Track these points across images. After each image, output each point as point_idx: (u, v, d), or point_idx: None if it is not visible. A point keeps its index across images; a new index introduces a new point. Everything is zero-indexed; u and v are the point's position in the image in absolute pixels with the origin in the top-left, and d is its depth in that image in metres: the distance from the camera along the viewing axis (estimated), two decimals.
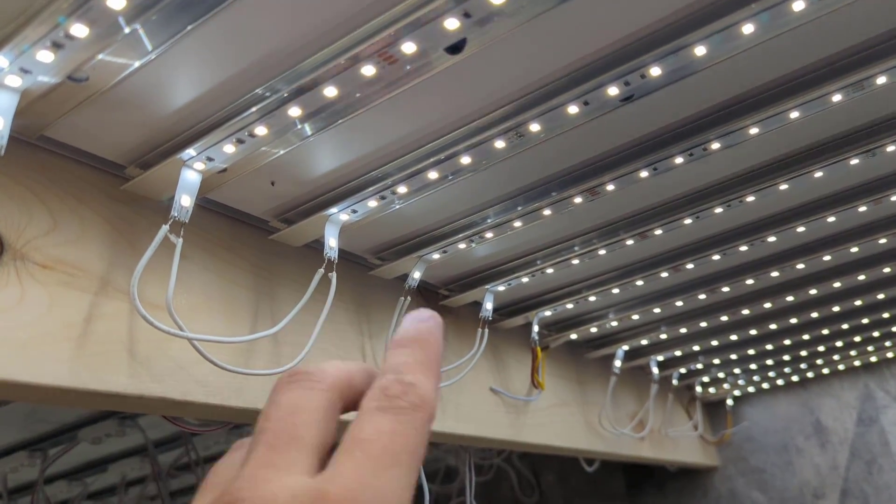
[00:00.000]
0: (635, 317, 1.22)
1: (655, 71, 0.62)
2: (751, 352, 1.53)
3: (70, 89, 0.56)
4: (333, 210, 0.77)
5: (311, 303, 0.77)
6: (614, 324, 1.26)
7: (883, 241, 1.04)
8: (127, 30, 0.50)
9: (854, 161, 0.81)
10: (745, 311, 1.26)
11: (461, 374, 1.00)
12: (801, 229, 0.97)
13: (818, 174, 0.83)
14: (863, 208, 0.93)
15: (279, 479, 0.23)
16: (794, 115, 0.71)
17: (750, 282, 1.13)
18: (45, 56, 0.51)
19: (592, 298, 1.12)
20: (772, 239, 0.99)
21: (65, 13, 0.48)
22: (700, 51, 0.60)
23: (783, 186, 0.85)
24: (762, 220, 0.96)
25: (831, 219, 0.95)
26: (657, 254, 1.03)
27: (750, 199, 0.87)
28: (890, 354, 1.71)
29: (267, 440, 0.25)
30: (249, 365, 0.76)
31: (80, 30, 0.49)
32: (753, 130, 0.73)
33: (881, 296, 1.27)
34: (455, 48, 0.58)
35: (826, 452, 1.81)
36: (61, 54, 0.51)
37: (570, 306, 1.14)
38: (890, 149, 0.80)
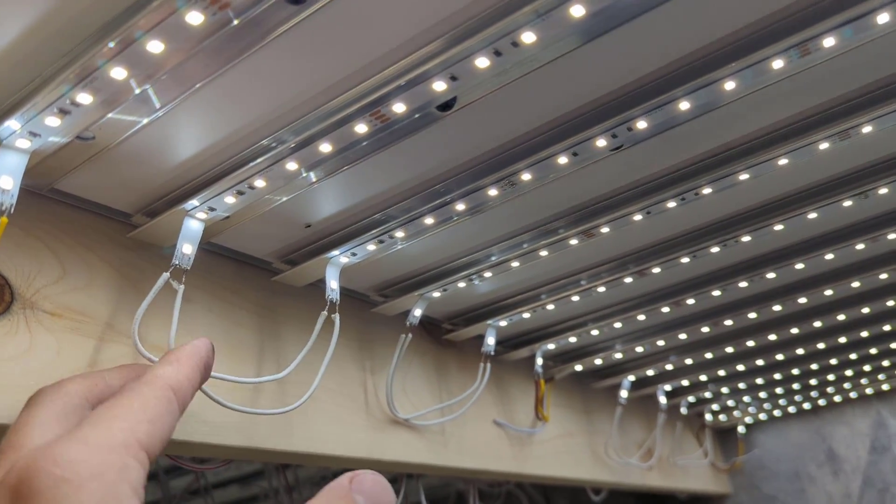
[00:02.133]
0: (639, 349, 1.23)
1: (642, 124, 0.64)
2: (759, 381, 1.53)
3: (78, 147, 0.59)
4: (334, 253, 0.79)
5: (315, 341, 0.79)
6: (619, 355, 1.27)
7: (884, 276, 1.04)
8: (137, 90, 0.52)
9: (847, 203, 0.82)
10: (750, 343, 1.27)
11: (463, 408, 1.02)
12: (799, 266, 0.98)
13: (812, 215, 0.84)
14: (860, 246, 0.93)
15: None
16: (783, 162, 0.72)
17: (752, 315, 1.13)
18: (53, 121, 0.53)
19: (595, 332, 1.13)
20: (771, 275, 0.99)
21: (70, 83, 0.50)
22: (684, 105, 0.62)
23: (778, 227, 0.86)
24: (760, 258, 0.97)
25: (829, 256, 0.96)
26: (657, 289, 1.04)
27: (745, 238, 0.88)
28: None
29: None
30: (255, 405, 0.78)
31: (85, 98, 0.51)
32: (743, 176, 0.74)
33: (888, 327, 1.27)
34: (446, 106, 0.60)
35: (839, 481, 1.80)
36: (68, 119, 0.54)
37: (573, 339, 1.15)
38: (882, 191, 0.81)
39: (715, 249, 0.90)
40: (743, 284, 1.01)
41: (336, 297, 0.80)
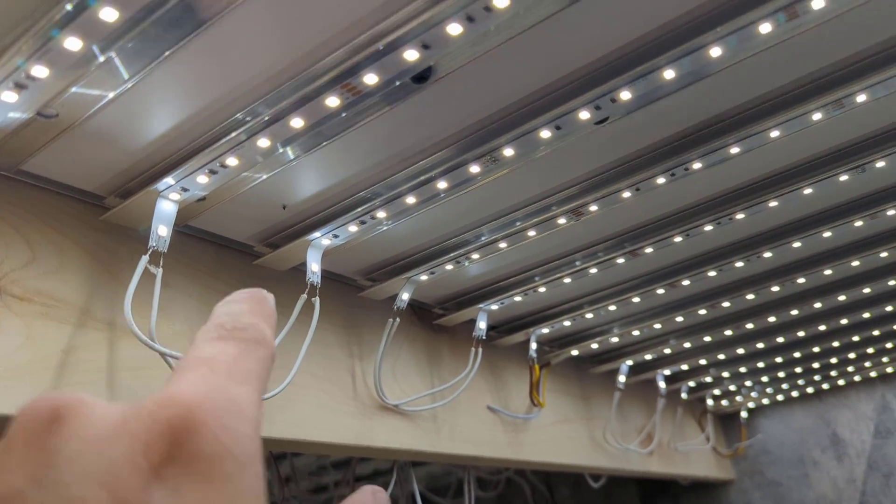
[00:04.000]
0: (636, 332, 1.21)
1: (626, 95, 0.61)
2: (760, 364, 1.51)
3: (42, 125, 0.57)
4: (316, 235, 0.77)
5: (299, 326, 0.77)
6: (615, 339, 1.25)
7: (884, 254, 1.02)
8: (101, 58, 0.50)
9: (844, 177, 0.80)
10: (749, 325, 1.24)
11: (455, 394, 1.00)
12: (797, 244, 0.95)
13: (808, 191, 0.81)
14: (859, 223, 0.91)
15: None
16: (775, 133, 0.70)
17: (750, 296, 1.11)
18: (9, 96, 0.51)
19: (589, 315, 1.11)
20: (768, 254, 0.97)
21: (23, 56, 0.48)
22: (669, 74, 0.60)
23: (773, 203, 0.83)
24: (756, 237, 0.95)
25: (827, 234, 0.93)
26: (652, 271, 1.02)
27: (740, 216, 0.85)
28: None
29: None
30: None
31: (40, 71, 0.50)
32: (735, 150, 0.72)
33: (889, 308, 1.24)
34: (421, 77, 0.58)
35: (843, 465, 1.77)
36: (25, 94, 0.52)
37: (567, 323, 1.13)
38: (880, 164, 0.78)
39: (708, 228, 0.87)
40: (739, 265, 0.99)
41: (317, 280, 0.78)
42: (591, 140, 0.70)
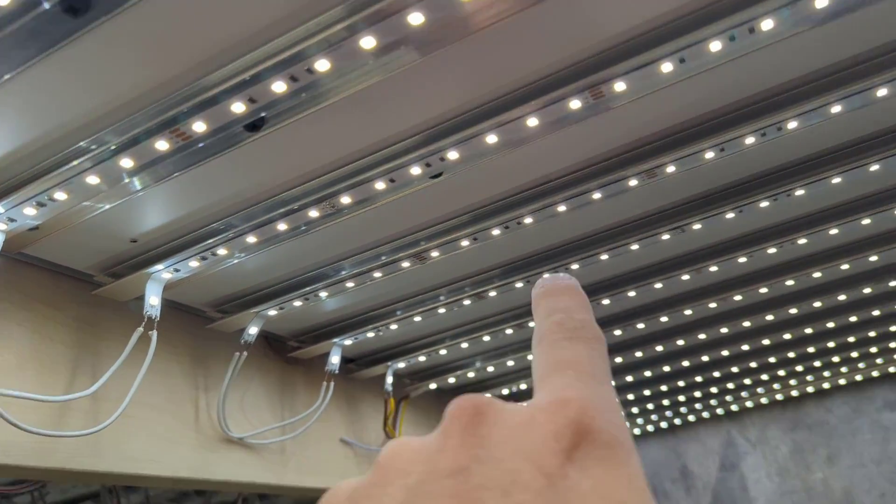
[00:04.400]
0: (490, 368, 1.26)
1: (453, 155, 0.65)
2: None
3: None
4: (157, 267, 0.78)
5: (139, 357, 0.77)
6: (472, 374, 1.29)
7: (713, 305, 1.10)
8: None
9: (697, 226, 0.85)
10: None
11: (305, 426, 1.01)
12: (631, 293, 1.02)
13: (666, 236, 0.86)
14: (714, 268, 0.98)
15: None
16: (597, 195, 0.75)
17: None
18: None
19: (444, 352, 1.14)
20: (606, 302, 1.04)
21: None
22: (491, 139, 0.64)
23: (604, 257, 0.89)
24: (596, 284, 1.01)
25: (658, 285, 1.00)
26: (498, 311, 1.07)
27: (574, 266, 0.91)
28: (749, 404, 1.80)
29: None
30: (63, 423, 0.75)
31: None
32: (561, 208, 0.77)
33: (725, 352, 1.34)
34: (254, 126, 0.60)
35: (691, 496, 1.88)
36: None
37: (422, 358, 1.16)
38: (729, 216, 0.84)
39: (547, 276, 0.92)
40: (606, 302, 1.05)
41: (155, 313, 0.78)
42: (431, 192, 0.73)
